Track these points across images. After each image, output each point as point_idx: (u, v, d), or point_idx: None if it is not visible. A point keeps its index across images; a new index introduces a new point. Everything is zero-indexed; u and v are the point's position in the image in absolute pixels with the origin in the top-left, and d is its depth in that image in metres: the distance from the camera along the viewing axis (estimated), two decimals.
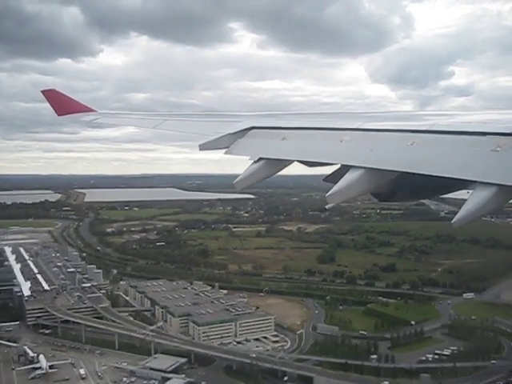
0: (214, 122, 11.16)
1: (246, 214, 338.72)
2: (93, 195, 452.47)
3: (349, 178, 5.95)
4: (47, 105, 16.21)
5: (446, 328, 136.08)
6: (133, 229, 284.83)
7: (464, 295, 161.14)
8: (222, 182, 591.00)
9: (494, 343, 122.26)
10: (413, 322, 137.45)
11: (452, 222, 4.82)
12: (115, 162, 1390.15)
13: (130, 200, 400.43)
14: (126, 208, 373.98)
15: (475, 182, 4.97)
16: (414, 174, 5.54)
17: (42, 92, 16.16)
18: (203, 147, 8.65)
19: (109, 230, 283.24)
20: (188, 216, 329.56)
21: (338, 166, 7.06)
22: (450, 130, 6.01)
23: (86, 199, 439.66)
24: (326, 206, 6.65)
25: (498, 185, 4.73)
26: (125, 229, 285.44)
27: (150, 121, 13.01)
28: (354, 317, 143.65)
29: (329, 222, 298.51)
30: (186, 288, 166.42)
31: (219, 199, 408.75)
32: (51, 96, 16.14)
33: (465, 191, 5.78)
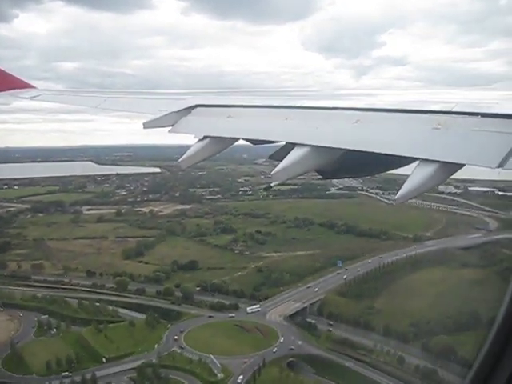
0: (159, 99, 10.62)
1: (125, 193, 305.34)
2: None
3: (294, 155, 5.83)
4: None
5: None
6: None
7: (249, 308, 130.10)
8: (154, 154, 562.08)
9: None
10: (104, 360, 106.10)
11: (395, 198, 4.82)
12: (54, 134, 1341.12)
13: (19, 177, 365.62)
14: (5, 187, 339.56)
15: (417, 158, 4.94)
16: (358, 151, 5.54)
17: None
18: (147, 125, 8.30)
19: None
20: (61, 195, 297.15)
21: (283, 143, 6.87)
22: (393, 107, 6.03)
23: None
24: (271, 184, 6.44)
25: (439, 161, 4.73)
26: None
27: (92, 98, 12.07)
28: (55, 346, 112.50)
29: (199, 203, 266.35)
30: None
31: (118, 174, 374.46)
32: None
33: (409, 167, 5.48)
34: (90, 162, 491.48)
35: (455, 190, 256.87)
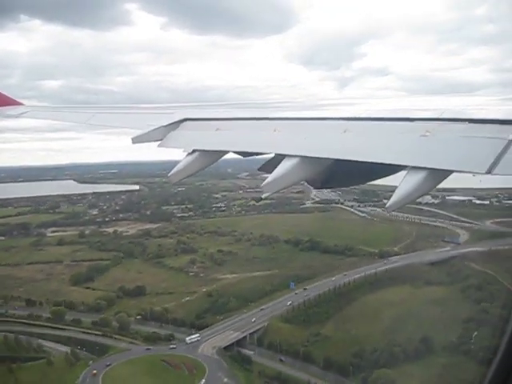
0: (146, 114, 10.69)
1: (96, 212, 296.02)
2: None
3: (283, 167, 5.84)
4: None
5: None
6: None
7: (188, 338, 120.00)
8: (139, 171, 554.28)
9: None
10: None
11: (386, 206, 4.92)
12: (41, 152, 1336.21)
13: None
14: None
15: (406, 166, 4.99)
16: (347, 160, 5.58)
17: None
18: (136, 140, 8.19)
19: None
20: (31, 217, 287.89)
21: (272, 155, 6.87)
22: (380, 116, 6.09)
23: None
24: (262, 196, 5.21)
25: (428, 169, 4.77)
26: None
27: (80, 114, 12.43)
28: None
29: (167, 221, 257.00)
30: None
31: (94, 192, 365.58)
32: None
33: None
34: (71, 181, 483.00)
35: (432, 200, 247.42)
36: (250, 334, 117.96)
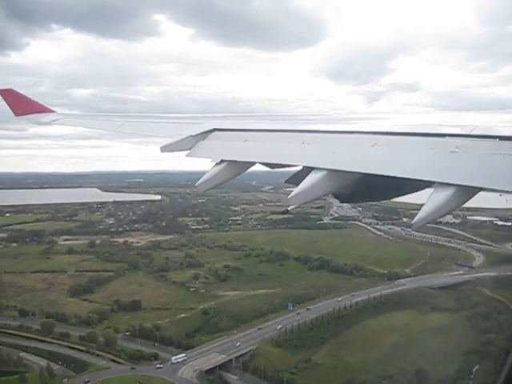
0: (175, 123, 10.53)
1: (112, 222, 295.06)
2: None
3: (311, 179, 5.89)
4: None
5: None
6: None
7: (174, 358, 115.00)
8: (165, 180, 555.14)
9: None
10: None
11: (412, 222, 4.87)
12: (72, 159, 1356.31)
13: (14, 204, 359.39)
14: None
15: (434, 182, 4.99)
16: (375, 175, 5.58)
17: None
18: (165, 149, 8.35)
19: None
20: (48, 224, 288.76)
21: (300, 167, 6.88)
22: (410, 131, 6.05)
23: None
24: (289, 208, 6.35)
25: (457, 185, 4.77)
26: None
27: (111, 122, 12.40)
28: None
29: (180, 233, 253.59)
30: None
31: (115, 201, 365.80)
32: (8, 95, 15.39)
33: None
34: (95, 189, 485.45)
35: (453, 220, 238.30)
36: (236, 357, 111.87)
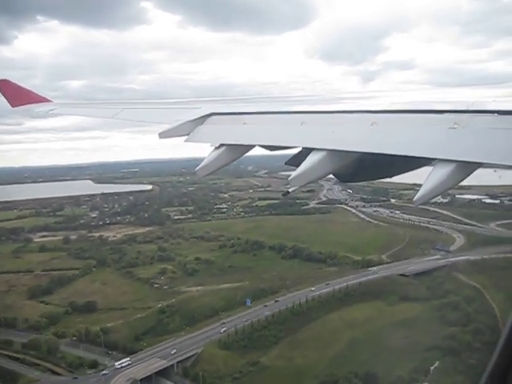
0: (173, 109, 10.56)
1: (94, 215, 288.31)
2: None
3: (311, 160, 5.84)
4: None
5: None
6: None
7: (117, 363, 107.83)
8: (161, 169, 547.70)
9: None
10: None
11: (413, 200, 4.83)
12: (69, 152, 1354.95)
13: (1, 200, 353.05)
14: None
15: (434, 159, 4.95)
16: (375, 154, 5.53)
17: None
18: (163, 135, 8.32)
19: None
20: (30, 220, 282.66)
21: (300, 148, 6.83)
22: (408, 108, 6.03)
23: None
24: (289, 190, 6.42)
25: (457, 161, 4.73)
26: None
27: (108, 110, 12.25)
28: None
29: (160, 224, 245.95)
30: None
31: (103, 193, 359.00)
32: (4, 86, 15.28)
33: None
34: (88, 181, 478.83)
35: (441, 200, 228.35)
36: (180, 361, 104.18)
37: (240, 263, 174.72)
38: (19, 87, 15.53)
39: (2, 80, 15.46)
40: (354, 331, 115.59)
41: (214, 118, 8.31)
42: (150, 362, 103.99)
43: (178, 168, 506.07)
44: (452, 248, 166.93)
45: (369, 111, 6.30)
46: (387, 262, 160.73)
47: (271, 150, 7.48)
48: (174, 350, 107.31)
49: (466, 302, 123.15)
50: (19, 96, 14.97)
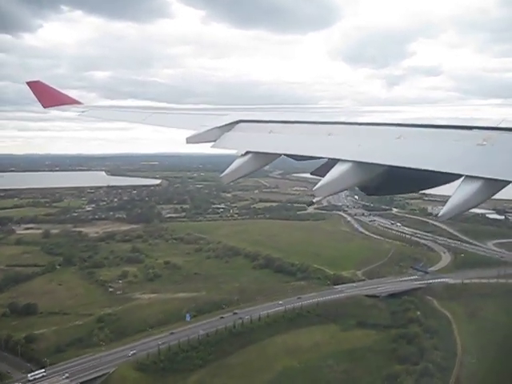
0: (200, 115, 10.88)
1: (90, 208, 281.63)
2: None
3: (336, 171, 5.88)
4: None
5: None
6: None
7: (30, 375, 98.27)
8: (180, 163, 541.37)
9: None
10: None
11: (438, 215, 4.80)
12: (94, 142, 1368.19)
13: (8, 188, 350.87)
14: None
15: (461, 175, 4.95)
16: (400, 167, 5.53)
17: (28, 83, 16.02)
18: (190, 140, 8.45)
19: None
20: (25, 210, 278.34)
21: (326, 159, 6.92)
22: (436, 123, 5.97)
23: None
24: (314, 200, 5.76)
25: (484, 178, 4.73)
26: None
27: (137, 114, 12.93)
28: None
29: (147, 222, 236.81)
30: None
31: (108, 186, 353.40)
32: (36, 87, 16.02)
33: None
34: (102, 172, 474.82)
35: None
36: (81, 383, 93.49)
37: (208, 270, 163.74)
38: (51, 88, 16.10)
39: (34, 81, 16.12)
40: (291, 359, 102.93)
41: (241, 125, 8.30)
42: (52, 381, 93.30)
43: (196, 163, 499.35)
44: (435, 268, 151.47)
45: (396, 124, 6.20)
46: (360, 280, 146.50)
47: (297, 159, 7.42)
48: (84, 368, 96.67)
49: (427, 334, 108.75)
50: (51, 97, 15.69)
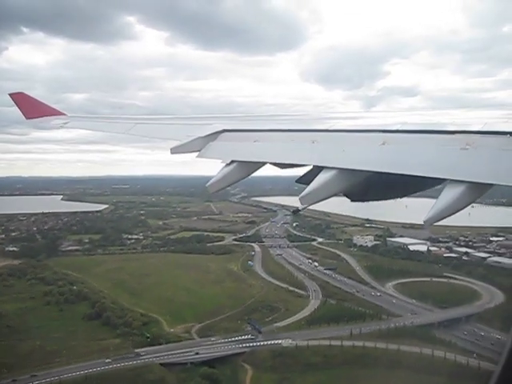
0: (184, 125, 10.57)
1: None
2: None
3: (321, 179, 5.84)
4: None
5: None
6: None
7: None
8: (153, 185, 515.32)
9: None
10: None
11: (423, 220, 4.73)
12: (80, 164, 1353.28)
13: None
14: None
15: (445, 179, 4.96)
16: (385, 173, 5.53)
17: (10, 95, 15.65)
18: (174, 151, 8.27)
19: None
20: None
21: (311, 167, 6.86)
22: (419, 129, 6.02)
23: None
24: (299, 208, 6.46)
25: (468, 182, 4.74)
26: None
27: (121, 124, 12.29)
28: None
29: (31, 258, 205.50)
30: None
31: (43, 213, 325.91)
32: (19, 99, 15.59)
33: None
34: (59, 197, 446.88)
35: (367, 243, 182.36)
36: None
37: (33, 322, 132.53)
38: (34, 100, 15.41)
39: (17, 93, 15.51)
40: None
41: (225, 134, 8.19)
42: None
43: (172, 186, 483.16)
44: (285, 322, 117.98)
45: (379, 130, 6.16)
46: (188, 339, 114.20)
47: (282, 167, 7.37)
48: None
49: None
50: (33, 108, 14.96)
